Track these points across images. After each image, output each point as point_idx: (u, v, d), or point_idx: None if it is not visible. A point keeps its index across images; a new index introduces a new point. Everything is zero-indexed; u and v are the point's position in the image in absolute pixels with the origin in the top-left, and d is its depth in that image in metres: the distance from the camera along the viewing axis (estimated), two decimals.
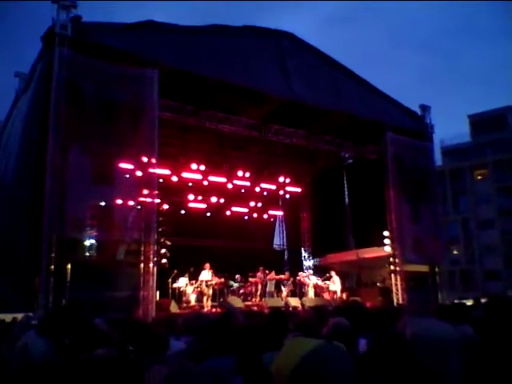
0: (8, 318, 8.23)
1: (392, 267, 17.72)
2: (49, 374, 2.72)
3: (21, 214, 12.17)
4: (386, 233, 17.91)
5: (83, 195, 11.82)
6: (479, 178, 50.40)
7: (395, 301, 17.12)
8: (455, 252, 48.53)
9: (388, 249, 17.91)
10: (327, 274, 19.02)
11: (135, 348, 3.57)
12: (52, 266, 10.89)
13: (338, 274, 18.97)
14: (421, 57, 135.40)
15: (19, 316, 8.23)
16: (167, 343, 3.83)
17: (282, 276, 18.80)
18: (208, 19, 16.63)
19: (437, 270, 18.85)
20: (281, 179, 21.83)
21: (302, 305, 16.85)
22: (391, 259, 17.75)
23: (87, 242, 12.06)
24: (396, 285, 17.58)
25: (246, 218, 22.04)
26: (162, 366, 2.52)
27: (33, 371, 2.69)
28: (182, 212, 20.11)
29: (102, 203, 12.27)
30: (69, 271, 11.29)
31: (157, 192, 13.14)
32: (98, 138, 11.91)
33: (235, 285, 18.01)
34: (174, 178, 18.50)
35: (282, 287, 18.37)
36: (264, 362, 2.81)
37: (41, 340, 2.90)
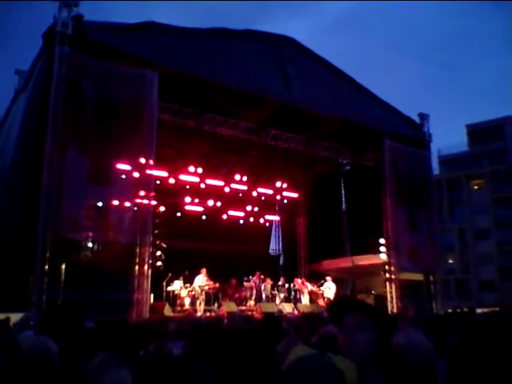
0: (1, 316, 8.14)
1: (387, 275, 17.69)
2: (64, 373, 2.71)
3: (16, 212, 12.09)
4: (381, 240, 17.89)
5: (79, 195, 11.75)
6: (476, 187, 50.49)
7: (389, 309, 17.07)
8: (450, 261, 48.57)
9: (384, 256, 17.88)
10: (322, 281, 18.98)
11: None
12: (46, 266, 10.81)
13: (334, 280, 18.92)
14: (420, 66, 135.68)
15: (12, 315, 8.14)
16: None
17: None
18: (208, 22, 16.67)
19: (431, 278, 18.82)
20: (278, 184, 21.77)
21: (297, 310, 16.82)
22: (387, 267, 17.73)
23: (82, 243, 11.97)
24: (391, 293, 17.54)
25: (242, 222, 21.99)
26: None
27: (53, 369, 2.67)
28: (178, 214, 20.02)
29: (99, 203, 12.19)
30: (63, 271, 11.21)
31: (153, 194, 13.08)
32: (96, 138, 11.86)
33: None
34: (171, 180, 18.44)
35: (277, 292, 18.29)
36: None
37: (51, 340, 2.87)
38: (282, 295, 18.25)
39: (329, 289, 18.59)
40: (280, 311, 16.31)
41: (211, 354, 2.95)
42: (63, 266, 11.22)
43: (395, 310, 16.79)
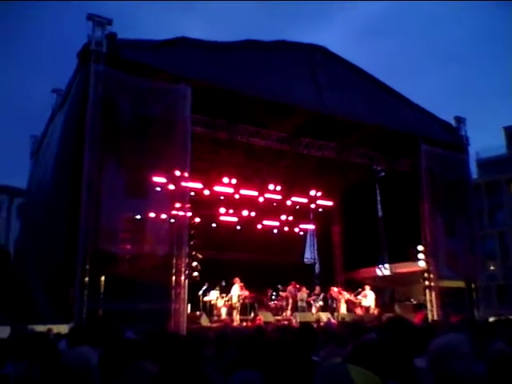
0: (43, 328, 8.37)
1: (427, 283, 17.32)
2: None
3: (58, 226, 12.41)
4: (420, 247, 17.55)
5: (117, 208, 11.97)
6: None
7: (430, 317, 16.70)
8: (492, 267, 47.19)
9: (422, 264, 17.52)
10: (359, 289, 18.75)
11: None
12: (86, 278, 11.03)
13: (372, 288, 18.66)
14: (454, 68, 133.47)
15: (54, 327, 8.35)
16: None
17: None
18: (239, 34, 16.81)
19: (473, 285, 18.33)
20: (312, 192, 21.72)
21: (335, 319, 16.62)
22: (426, 274, 17.36)
23: (121, 255, 12.16)
24: (431, 301, 17.16)
25: (277, 231, 21.98)
26: None
27: (92, 381, 2.74)
28: (214, 225, 20.20)
29: (137, 216, 12.41)
30: (102, 283, 11.42)
31: (189, 205, 13.22)
32: (132, 152, 12.07)
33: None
34: (206, 192, 18.64)
35: (313, 302, 18.14)
36: None
37: (92, 351, 2.93)
38: (318, 304, 18.09)
39: (366, 297, 18.37)
40: (318, 320, 16.18)
41: (254, 363, 2.98)
42: (102, 278, 11.42)
43: (436, 318, 16.41)
